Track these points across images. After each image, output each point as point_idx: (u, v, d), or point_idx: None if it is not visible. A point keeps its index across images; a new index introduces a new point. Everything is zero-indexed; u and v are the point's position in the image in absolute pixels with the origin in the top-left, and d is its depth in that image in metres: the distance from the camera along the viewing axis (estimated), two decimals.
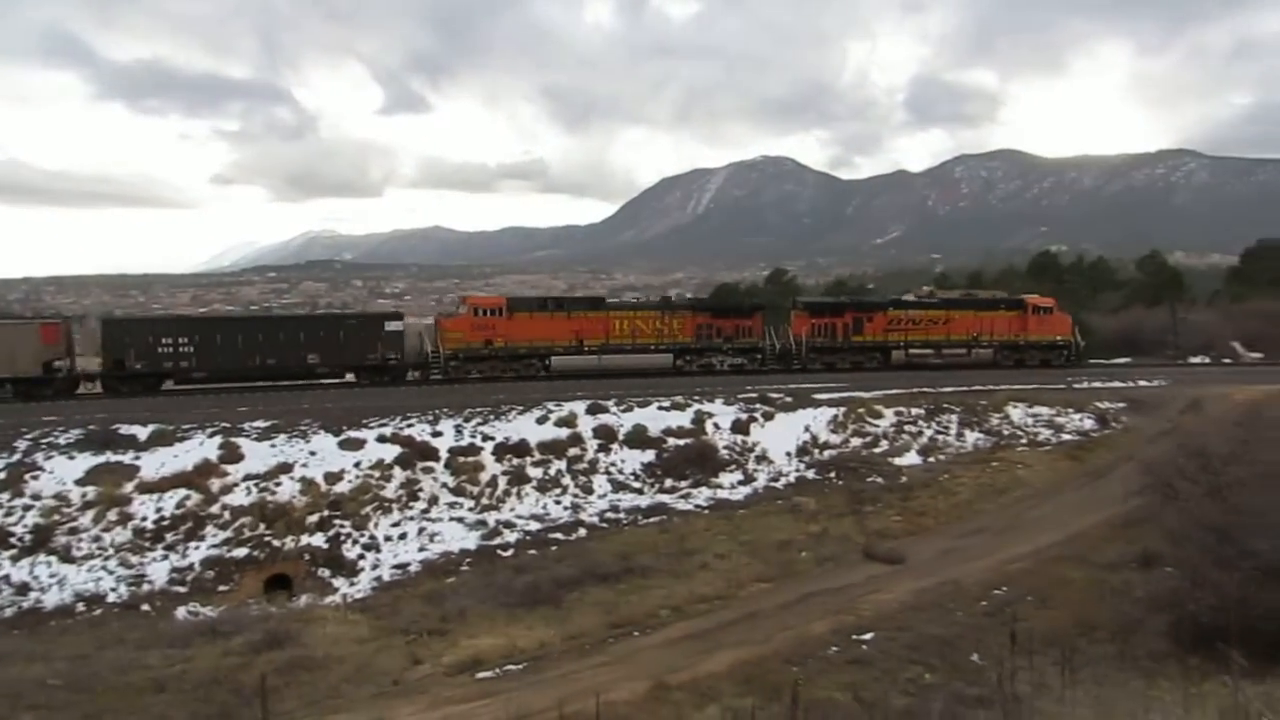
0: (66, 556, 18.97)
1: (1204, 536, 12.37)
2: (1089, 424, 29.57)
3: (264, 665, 14.22)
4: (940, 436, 28.25)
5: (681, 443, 26.36)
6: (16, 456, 21.76)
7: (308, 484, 22.11)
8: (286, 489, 21.85)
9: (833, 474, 25.42)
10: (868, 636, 14.67)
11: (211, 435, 23.52)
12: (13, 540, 19.09)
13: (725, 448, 26.56)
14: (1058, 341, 42.27)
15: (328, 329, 35.64)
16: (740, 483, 25.24)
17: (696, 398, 29.42)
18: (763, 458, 26.46)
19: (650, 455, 25.80)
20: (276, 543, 20.26)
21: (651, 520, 22.64)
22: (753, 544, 20.80)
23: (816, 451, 26.86)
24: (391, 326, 36.17)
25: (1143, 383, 35.19)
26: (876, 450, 27.12)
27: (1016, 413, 29.96)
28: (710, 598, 17.40)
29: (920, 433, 28.37)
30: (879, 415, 28.95)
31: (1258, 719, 4.26)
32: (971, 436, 28.39)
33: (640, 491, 24.50)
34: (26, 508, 20.01)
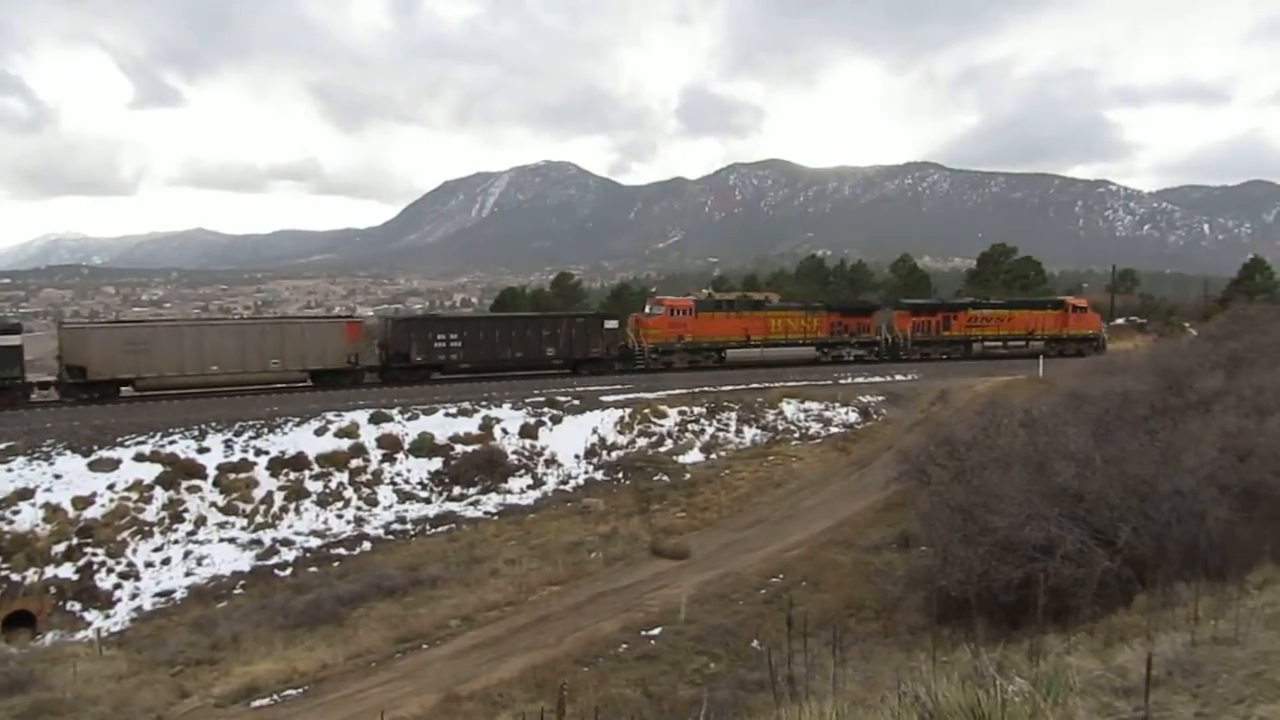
0: None
1: (951, 517, 13.56)
2: (854, 417, 31.79)
3: (3, 712, 12.77)
4: (721, 434, 29.51)
5: (469, 449, 26.05)
6: None
7: (52, 510, 20.02)
8: (27, 516, 19.70)
9: (620, 474, 25.99)
10: (656, 631, 15.09)
11: None
12: None
13: (514, 453, 26.49)
14: (1089, 335, 49.21)
15: (563, 327, 40.59)
16: (529, 487, 25.29)
17: (484, 403, 29.14)
18: (552, 461, 26.62)
19: (438, 463, 25.33)
20: (16, 577, 18.21)
21: (440, 529, 22.28)
22: (543, 547, 20.89)
23: (604, 453, 27.34)
24: (609, 325, 41.86)
25: (899, 377, 38.23)
26: (662, 449, 27.95)
27: (789, 408, 31.75)
28: (501, 604, 17.31)
29: (702, 431, 29.50)
30: (663, 415, 29.83)
31: (993, 680, 4.76)
32: (749, 433, 29.83)
33: (428, 501, 24.01)
34: None
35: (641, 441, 28.28)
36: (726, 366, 41.30)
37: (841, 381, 36.34)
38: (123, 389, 31.71)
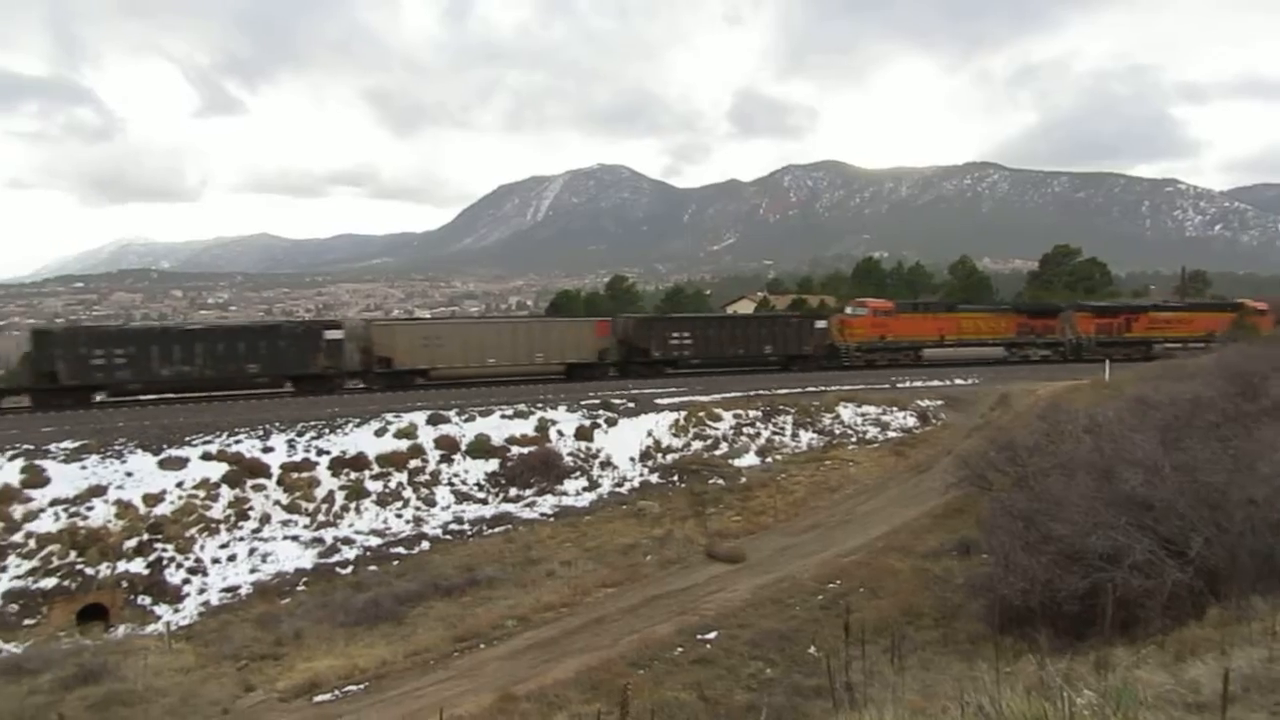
0: None
1: (1013, 524, 13.31)
2: (912, 421, 31.37)
3: (75, 703, 13.22)
4: (776, 437, 29.32)
5: (525, 451, 26.23)
6: None
7: (124, 507, 20.61)
8: (100, 513, 20.30)
9: (675, 477, 25.98)
10: (711, 635, 15.05)
11: (12, 458, 21.53)
12: None
13: (569, 455, 26.62)
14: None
15: (779, 327, 44.18)
16: (585, 489, 25.39)
17: (540, 405, 29.34)
18: (607, 463, 26.69)
19: (494, 464, 25.55)
20: (90, 571, 18.78)
21: (496, 530, 22.47)
22: (598, 550, 20.97)
23: (659, 456, 27.34)
24: (819, 325, 44.65)
25: (958, 381, 37.63)
26: (717, 452, 27.86)
27: (846, 412, 31.43)
28: (556, 605, 17.41)
29: (758, 434, 29.34)
30: (718, 418, 29.74)
31: (1059, 692, 4.66)
32: (805, 436, 29.60)
33: (484, 501, 24.24)
34: None
35: (696, 444, 28.23)
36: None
37: (899, 385, 35.88)
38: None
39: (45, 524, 19.66)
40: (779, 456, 27.91)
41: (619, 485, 25.72)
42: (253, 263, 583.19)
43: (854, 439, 29.64)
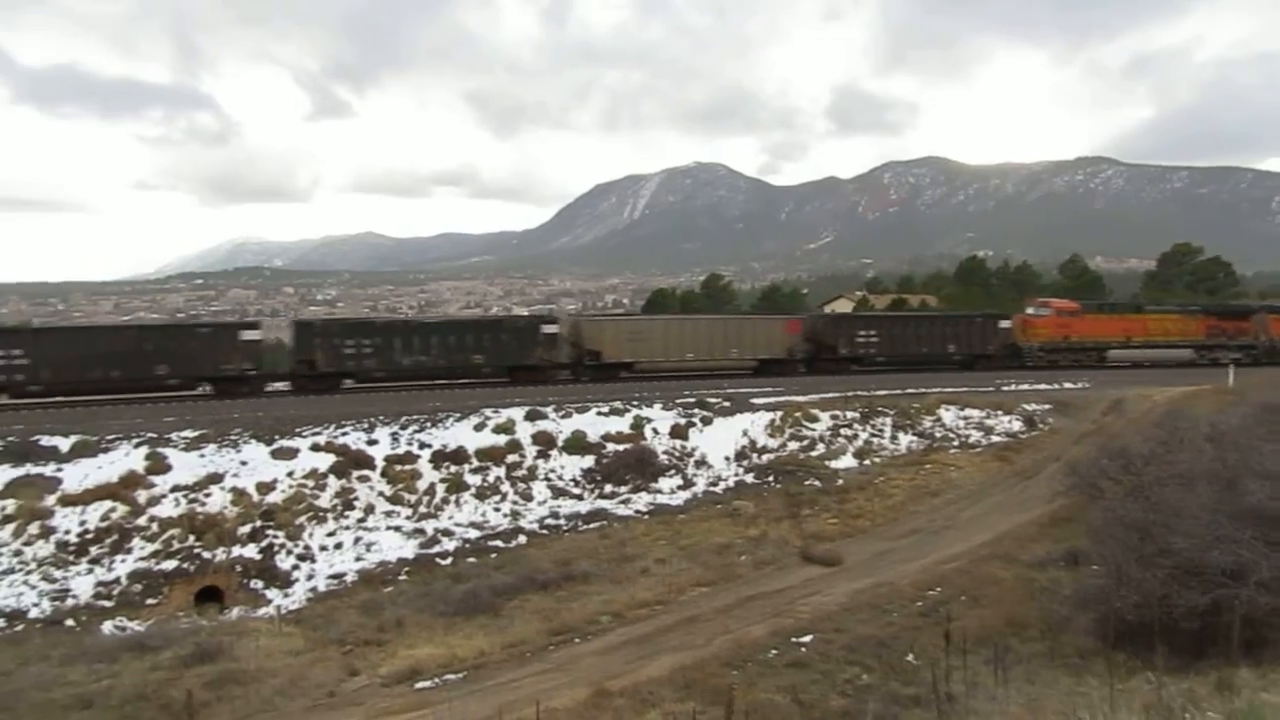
0: None
1: (1126, 535, 12.75)
2: (1017, 425, 30.38)
3: (194, 680, 13.85)
4: (875, 439, 28.77)
5: (620, 448, 26.39)
6: None
7: (239, 494, 21.56)
8: (217, 499, 21.29)
9: (771, 478, 25.74)
10: (806, 639, 14.85)
11: (137, 446, 22.77)
12: None
13: (664, 453, 26.67)
14: None
15: (963, 326, 44.85)
16: (679, 487, 25.38)
17: (635, 403, 29.49)
18: (701, 462, 26.64)
19: (589, 461, 25.78)
20: (207, 554, 19.71)
21: (591, 526, 22.65)
22: (692, 548, 20.93)
23: (755, 455, 27.14)
24: (1003, 324, 45.26)
25: (1067, 384, 36.29)
26: (813, 453, 27.51)
27: (948, 415, 30.65)
28: (650, 603, 17.44)
29: (855, 436, 28.85)
30: (815, 419, 29.36)
31: (1181, 714, 4.43)
32: (905, 439, 28.97)
33: (580, 497, 24.47)
34: None
35: (792, 445, 27.93)
36: (881, 371, 41.06)
37: (1004, 388, 34.80)
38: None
39: (167, 509, 20.72)
40: (877, 459, 27.39)
41: (713, 484, 25.64)
42: (359, 260, 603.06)
43: (956, 443, 28.87)
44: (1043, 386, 35.72)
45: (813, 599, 17.06)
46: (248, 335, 34.56)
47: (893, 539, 21.18)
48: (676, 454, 26.81)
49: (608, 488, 25.01)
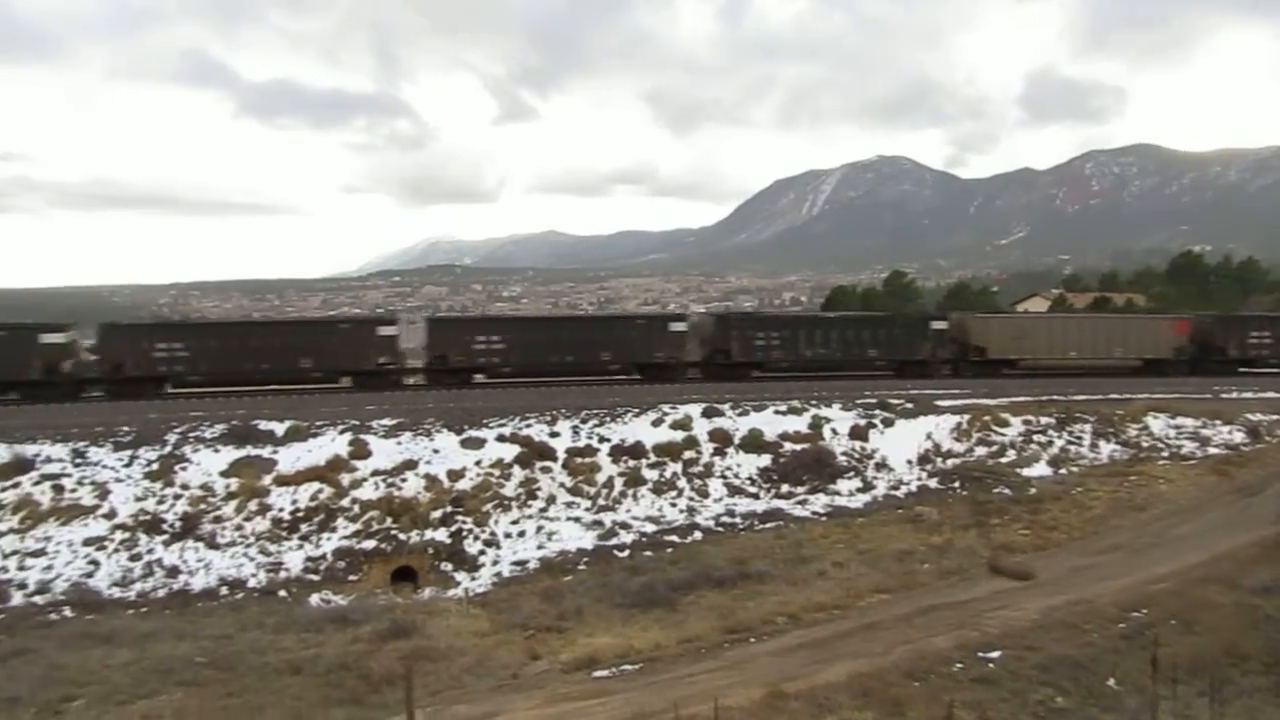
0: (211, 543, 20.09)
1: None
2: (1239, 437, 27.77)
3: (390, 653, 14.72)
4: (1072, 447, 27.03)
5: (798, 448, 26.02)
6: (167, 449, 23.14)
7: (431, 480, 22.77)
8: (411, 485, 22.57)
9: (956, 484, 24.69)
10: (994, 654, 14.12)
11: (342, 432, 24.50)
12: (164, 526, 20.33)
13: (843, 454, 26.07)
14: None
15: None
16: (859, 490, 24.76)
17: (814, 402, 28.98)
18: (882, 465, 25.88)
19: (766, 460, 25.55)
20: (402, 536, 20.95)
21: (767, 526, 22.45)
22: (871, 553, 20.37)
23: (939, 460, 26.11)
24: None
25: None
26: (1003, 460, 26.16)
27: (1156, 424, 28.37)
28: (827, 606, 17.10)
29: (1050, 443, 27.20)
30: (1005, 424, 27.89)
31: None
32: (1106, 448, 27.06)
33: (756, 496, 24.31)
34: (176, 496, 21.28)
35: (980, 450, 26.66)
36: (1073, 375, 38.78)
37: (1223, 396, 31.88)
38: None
39: (367, 492, 22.16)
40: (1074, 468, 25.71)
41: (894, 488, 24.85)
42: (541, 258, 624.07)
43: (1165, 453, 26.69)
44: (1271, 394, 32.46)
45: (1001, 613, 16.20)
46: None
47: (1091, 554, 19.81)
48: (856, 455, 26.16)
49: (784, 487, 24.71)
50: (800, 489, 24.66)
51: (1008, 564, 19.02)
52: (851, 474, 25.43)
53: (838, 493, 24.52)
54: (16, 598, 17.88)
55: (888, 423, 27.66)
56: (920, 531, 21.67)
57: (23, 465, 21.64)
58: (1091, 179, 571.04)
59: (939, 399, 30.11)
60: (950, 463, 25.94)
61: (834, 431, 26.95)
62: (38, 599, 17.87)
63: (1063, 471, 25.51)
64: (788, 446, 26.06)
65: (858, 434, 26.92)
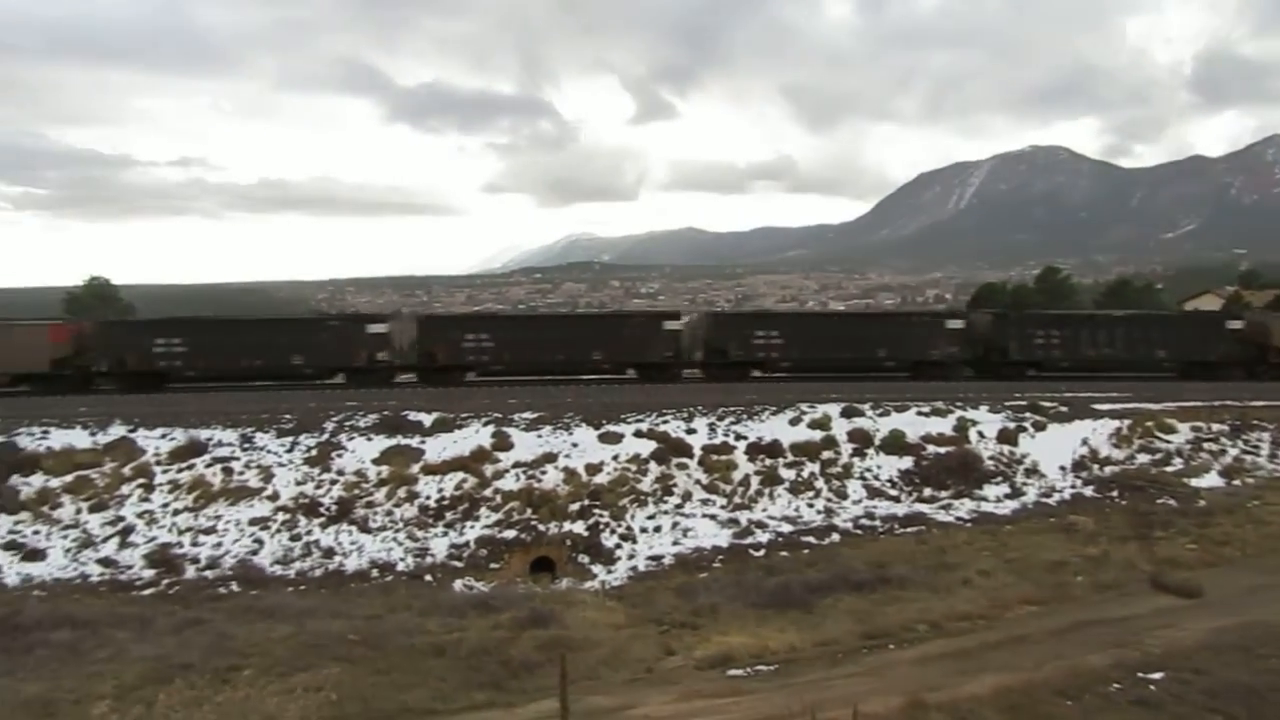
0: (364, 527, 21.13)
1: None
2: None
3: (528, 641, 15.06)
4: (1248, 457, 25.09)
5: (941, 451, 25.14)
6: (325, 436, 24.47)
7: (570, 474, 23.20)
8: (551, 477, 23.06)
9: (1114, 493, 23.30)
10: (1156, 676, 13.23)
11: (485, 424, 25.28)
12: (322, 510, 21.53)
13: (990, 458, 25.04)
14: None
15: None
16: (1006, 496, 23.71)
17: (959, 404, 27.95)
18: (1033, 471, 24.70)
19: (908, 462, 24.82)
20: (541, 527, 21.43)
21: (908, 530, 21.80)
22: (1020, 563, 19.45)
23: (1095, 467, 24.71)
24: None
25: None
26: (1168, 469, 24.53)
27: None
28: (971, 616, 16.42)
29: (1223, 451, 25.33)
30: (1171, 430, 26.14)
31: None
32: None
33: (897, 499, 23.64)
34: (332, 482, 22.50)
35: (1142, 458, 25.07)
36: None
37: None
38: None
39: (508, 483, 22.79)
40: (1251, 479, 23.84)
41: (1046, 495, 23.67)
42: (679, 255, 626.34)
43: None
44: None
45: (1164, 632, 15.17)
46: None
47: (1270, 573, 18.28)
48: (1004, 460, 25.07)
49: (926, 491, 23.94)
50: (944, 493, 23.83)
51: (1172, 580, 17.78)
52: (999, 479, 24.38)
53: (984, 498, 23.57)
54: (190, 571, 19.34)
55: (1039, 426, 26.40)
56: (1074, 542, 20.52)
57: (197, 448, 23.37)
58: (1274, 165, 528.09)
59: (1096, 402, 28.49)
60: (1108, 470, 24.50)
61: (980, 435, 25.92)
62: (208, 573, 19.28)
63: (1237, 483, 23.69)
64: (931, 449, 25.23)
65: (1006, 438, 25.80)
